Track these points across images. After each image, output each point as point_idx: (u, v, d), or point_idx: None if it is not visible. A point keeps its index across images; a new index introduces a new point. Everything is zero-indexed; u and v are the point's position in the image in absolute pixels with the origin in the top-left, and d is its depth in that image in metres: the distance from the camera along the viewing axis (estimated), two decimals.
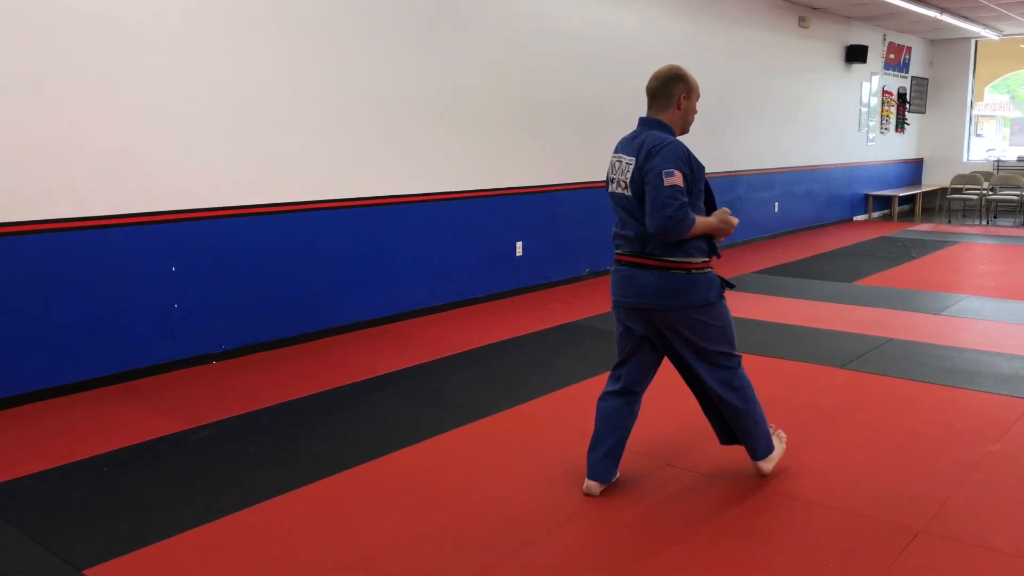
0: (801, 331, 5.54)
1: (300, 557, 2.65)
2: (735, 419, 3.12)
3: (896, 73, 13.02)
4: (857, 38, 11.58)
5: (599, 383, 4.38)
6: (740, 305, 6.28)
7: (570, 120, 7.20)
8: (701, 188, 2.94)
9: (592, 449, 3.11)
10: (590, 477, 3.09)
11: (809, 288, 7.03)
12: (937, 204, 13.95)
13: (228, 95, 4.80)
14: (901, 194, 12.60)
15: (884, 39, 12.45)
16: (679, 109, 2.98)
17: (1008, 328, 5.60)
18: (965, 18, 11.54)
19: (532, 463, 3.39)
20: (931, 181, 14.21)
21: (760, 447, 3.18)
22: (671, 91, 2.96)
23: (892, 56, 12.79)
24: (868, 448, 3.53)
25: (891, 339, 5.29)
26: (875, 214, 12.85)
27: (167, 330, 4.63)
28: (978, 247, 9.57)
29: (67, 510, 2.99)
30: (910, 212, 13.37)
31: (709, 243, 2.94)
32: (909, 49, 13.28)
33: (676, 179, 2.76)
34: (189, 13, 4.59)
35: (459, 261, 6.33)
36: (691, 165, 2.85)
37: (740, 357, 3.11)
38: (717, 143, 8.90)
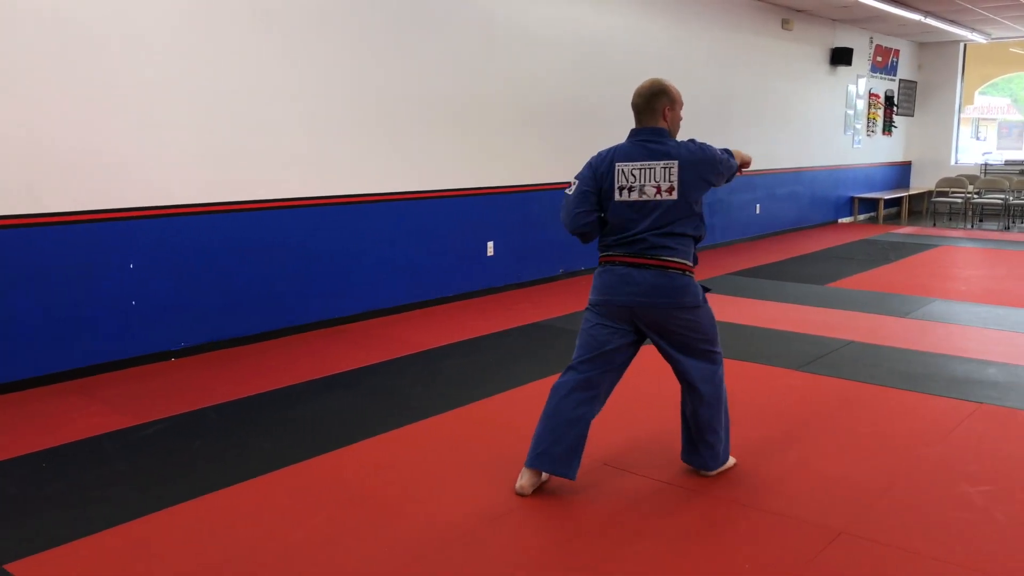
0: (764, 333, 5.56)
1: (218, 555, 2.68)
2: (708, 418, 3.16)
3: (883, 76, 13.03)
4: (842, 41, 11.59)
5: (551, 384, 4.42)
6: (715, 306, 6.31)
7: (549, 122, 7.22)
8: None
9: (552, 443, 3.07)
10: (540, 467, 3.04)
11: (780, 290, 7.05)
12: (924, 207, 13.96)
13: (192, 92, 4.82)
14: (887, 197, 12.61)
15: (871, 42, 12.46)
16: (665, 121, 3.10)
17: (970, 331, 5.61)
18: (952, 22, 11.55)
19: (474, 463, 3.41)
20: (919, 184, 14.21)
21: (717, 457, 3.23)
22: (655, 105, 3.08)
23: (879, 59, 12.80)
24: (805, 450, 3.55)
25: (852, 342, 5.31)
26: (861, 217, 12.85)
27: (126, 327, 4.66)
28: (959, 250, 9.58)
29: None
30: (896, 215, 13.37)
31: (695, 253, 3.09)
32: (897, 52, 13.29)
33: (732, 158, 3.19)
34: (154, 11, 4.61)
35: (428, 260, 6.35)
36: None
37: (721, 354, 3.20)
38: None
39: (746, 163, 3.31)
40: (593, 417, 3.17)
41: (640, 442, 3.62)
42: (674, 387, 4.23)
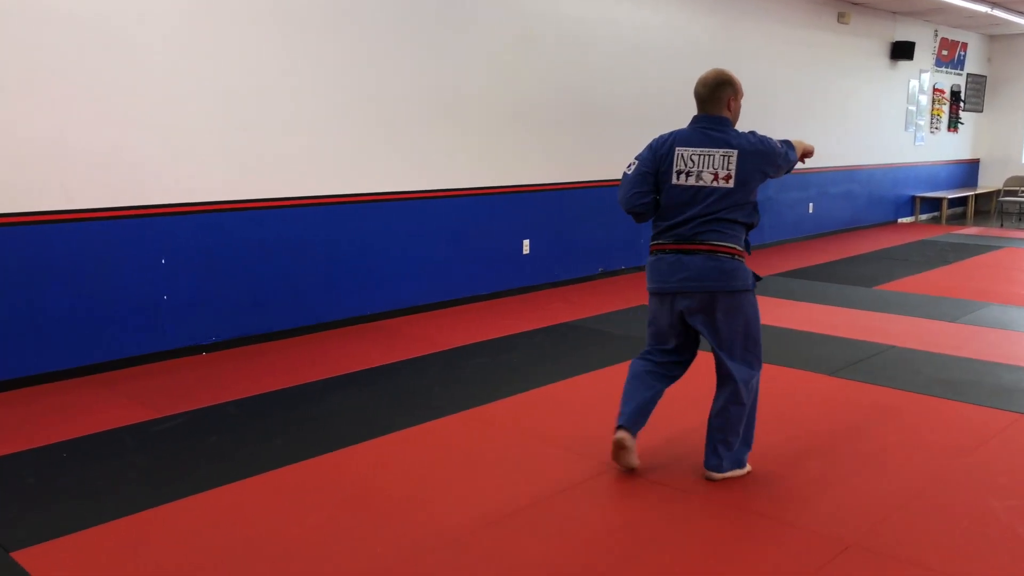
0: (801, 336, 5.39)
1: (218, 551, 2.70)
2: (735, 419, 3.14)
3: (949, 70, 12.53)
4: (904, 34, 11.18)
5: (572, 386, 4.37)
6: None
7: (583, 119, 7.14)
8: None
9: (624, 403, 3.22)
10: (622, 425, 3.19)
11: (825, 292, 6.83)
12: (992, 207, 13.38)
13: (222, 93, 4.90)
14: (950, 196, 12.12)
15: (935, 35, 11.99)
16: (729, 110, 3.16)
17: (1022, 338, 5.34)
18: (1021, 13, 11.02)
19: (483, 464, 3.38)
20: (987, 183, 13.63)
21: (730, 460, 3.19)
22: (720, 95, 3.13)
23: (945, 52, 12.31)
24: (829, 459, 3.41)
25: (893, 346, 5.10)
26: (922, 217, 12.39)
27: (157, 322, 4.77)
28: (1022, 252, 9.14)
29: (15, 494, 3.11)
30: (962, 215, 12.85)
31: (747, 240, 3.15)
32: (964, 45, 12.76)
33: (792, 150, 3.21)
34: (182, 13, 4.70)
35: (461, 258, 6.34)
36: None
37: (761, 359, 3.20)
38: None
39: (808, 153, 3.34)
40: (662, 391, 3.28)
41: (657, 447, 3.53)
42: (694, 390, 4.15)
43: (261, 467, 3.33)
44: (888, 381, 4.42)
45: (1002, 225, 11.73)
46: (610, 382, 4.43)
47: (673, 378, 3.33)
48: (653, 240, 3.20)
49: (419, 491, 3.12)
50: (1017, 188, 12.13)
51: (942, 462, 3.36)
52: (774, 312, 6.01)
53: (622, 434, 3.17)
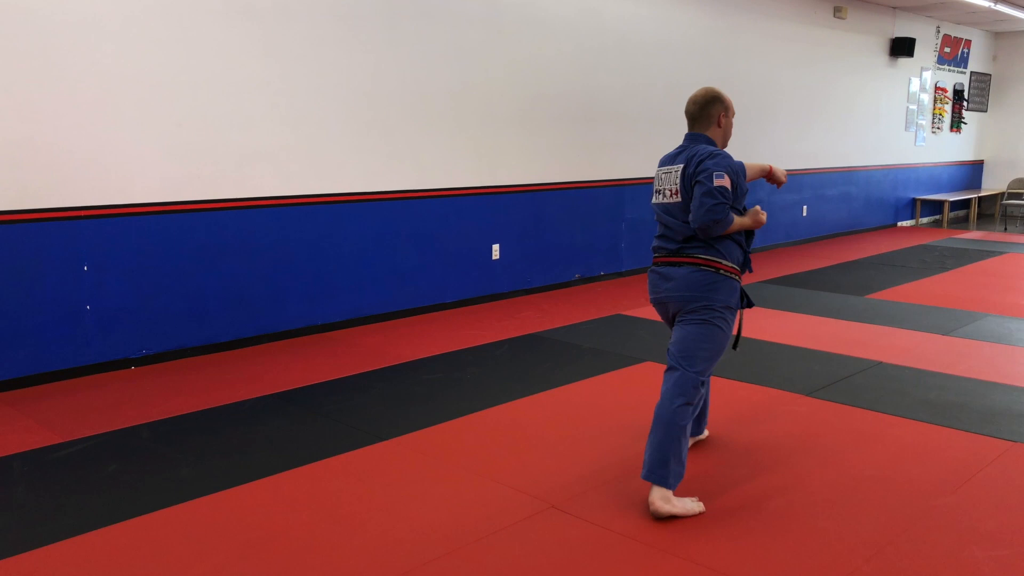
0: (781, 350, 5.01)
1: None
2: (654, 434, 2.93)
3: (952, 68, 12.11)
4: (904, 30, 10.77)
5: (524, 407, 4.00)
6: None
7: (562, 116, 6.77)
8: (742, 199, 3.10)
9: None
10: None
11: (813, 301, 6.44)
12: (996, 210, 12.96)
13: (156, 87, 4.55)
14: (952, 199, 11.70)
15: (938, 31, 11.58)
16: (719, 127, 3.16)
17: (1020, 354, 4.95)
18: None
19: (400, 504, 3.02)
20: (992, 185, 13.21)
21: (655, 471, 2.88)
22: (710, 112, 3.14)
23: (947, 50, 11.90)
24: (795, 495, 3.03)
25: (879, 363, 4.72)
26: (923, 220, 11.98)
27: (78, 334, 4.42)
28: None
29: None
30: (965, 219, 12.43)
31: (745, 256, 3.11)
32: (968, 42, 12.35)
33: (724, 182, 2.95)
34: (107, 3, 4.35)
35: (426, 264, 5.98)
36: (738, 177, 3.03)
37: (707, 380, 3.11)
38: (738, 141, 8.31)
39: (751, 225, 3.10)
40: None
41: (591, 481, 3.16)
42: (628, 421, 3.79)
43: (156, 503, 2.97)
44: (871, 403, 4.04)
45: (1006, 229, 11.31)
46: (565, 402, 4.06)
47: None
48: (654, 254, 3.25)
49: (327, 533, 2.76)
50: (1022, 191, 11.70)
51: (921, 502, 2.98)
52: (753, 323, 5.63)
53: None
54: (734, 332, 3.21)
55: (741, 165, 3.08)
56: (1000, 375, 4.50)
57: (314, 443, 3.54)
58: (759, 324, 5.62)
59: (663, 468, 2.87)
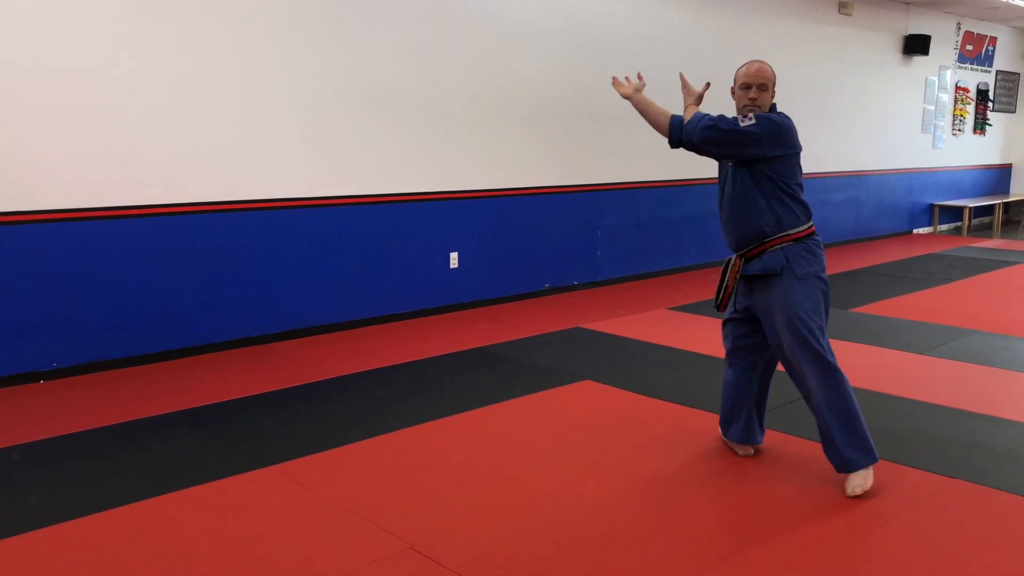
0: (710, 365, 4.64)
1: None
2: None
3: (975, 67, 11.52)
4: (919, 27, 10.24)
5: (422, 432, 3.72)
6: (693, 333, 5.43)
7: (530, 119, 6.47)
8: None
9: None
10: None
11: None
12: (1023, 217, 12.30)
13: (73, 85, 4.37)
14: (973, 204, 11.11)
15: (958, 28, 11.01)
16: (734, 99, 3.26)
17: (998, 377, 4.51)
18: None
19: (248, 543, 2.76)
20: (1021, 190, 12.55)
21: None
22: None
23: (970, 47, 11.32)
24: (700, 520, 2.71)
25: None
26: (942, 227, 11.40)
27: None
28: None
29: None
30: (989, 226, 11.81)
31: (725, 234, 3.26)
32: (993, 40, 11.74)
33: (743, 121, 3.07)
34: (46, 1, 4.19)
35: (376, 273, 5.72)
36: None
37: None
38: None
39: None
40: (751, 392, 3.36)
41: (462, 521, 2.88)
42: (532, 451, 3.48)
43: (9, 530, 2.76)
44: (811, 432, 3.68)
45: None
46: (476, 427, 3.78)
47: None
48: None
49: (156, 574, 2.52)
50: None
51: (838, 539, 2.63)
52: (708, 337, 5.27)
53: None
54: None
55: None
56: (971, 401, 4.09)
57: (192, 468, 3.31)
58: (713, 337, 5.25)
59: None
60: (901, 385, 4.33)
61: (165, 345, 4.84)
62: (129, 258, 4.66)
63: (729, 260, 3.24)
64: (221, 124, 4.91)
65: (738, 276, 3.18)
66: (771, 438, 3.59)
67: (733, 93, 3.24)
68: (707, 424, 3.79)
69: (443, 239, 6.07)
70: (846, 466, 3.03)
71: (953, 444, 3.55)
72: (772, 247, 3.10)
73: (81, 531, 2.80)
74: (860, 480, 3.00)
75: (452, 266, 6.14)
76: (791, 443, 3.57)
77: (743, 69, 3.21)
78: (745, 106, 3.15)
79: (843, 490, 3.02)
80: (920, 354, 4.97)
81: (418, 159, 5.86)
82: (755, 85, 3.15)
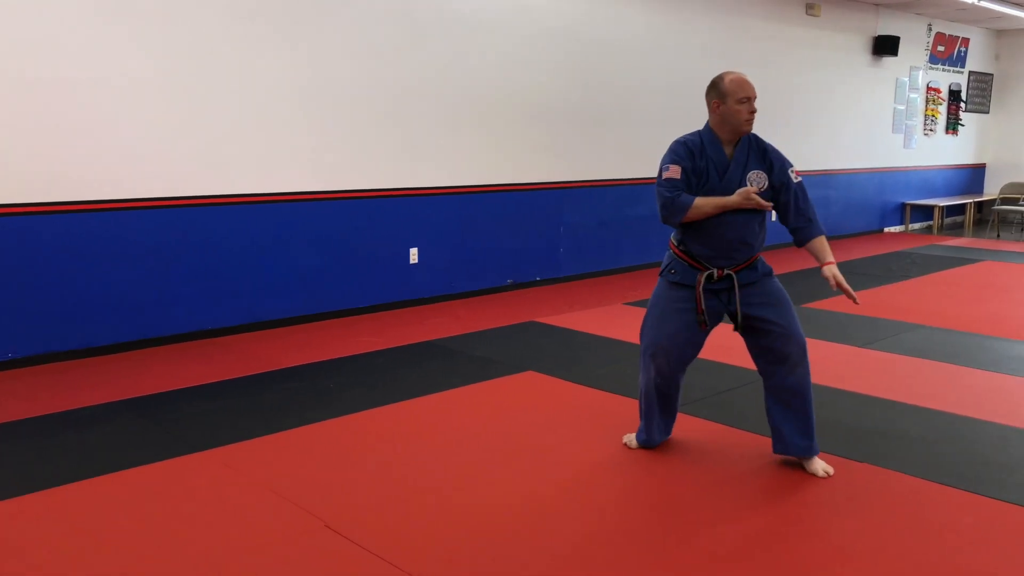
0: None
1: None
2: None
3: (947, 68, 11.64)
4: (888, 28, 10.36)
5: (358, 420, 3.84)
6: (638, 324, 5.54)
7: (492, 117, 6.57)
8: (708, 179, 3.16)
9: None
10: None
11: None
12: (999, 216, 12.40)
13: (20, 82, 4.48)
14: (944, 203, 11.23)
15: (930, 29, 11.13)
16: (714, 113, 3.19)
17: (924, 368, 4.63)
18: (1018, 4, 10.13)
19: (166, 524, 2.87)
20: (994, 190, 12.66)
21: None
22: (707, 100, 3.22)
23: (941, 48, 11.44)
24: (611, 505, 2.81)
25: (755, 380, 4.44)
26: (915, 226, 11.52)
27: None
28: (999, 267, 8.28)
29: None
30: (962, 224, 11.93)
31: (711, 252, 3.17)
32: (966, 41, 11.86)
33: (671, 172, 3.17)
34: None
35: (334, 268, 5.83)
36: (692, 157, 3.17)
37: (647, 351, 3.36)
38: None
39: (738, 204, 3.12)
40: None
41: (381, 501, 2.99)
42: (461, 436, 3.58)
43: None
44: (737, 420, 3.80)
45: (999, 236, 10.82)
46: (403, 416, 3.89)
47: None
48: None
49: (70, 551, 2.62)
50: (1017, 196, 11.17)
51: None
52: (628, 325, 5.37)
53: None
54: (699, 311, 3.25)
55: (686, 145, 3.19)
56: (890, 392, 4.20)
57: (126, 453, 3.41)
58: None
59: None
60: (829, 375, 4.44)
61: (118, 337, 4.94)
62: (83, 253, 4.76)
63: (699, 278, 3.20)
64: (175, 122, 5.01)
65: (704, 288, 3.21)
66: (706, 427, 3.70)
67: (717, 107, 3.15)
68: (631, 407, 3.90)
69: (403, 235, 6.18)
70: (811, 450, 3.23)
71: (864, 431, 3.66)
72: (756, 258, 3.26)
73: (1, 513, 2.91)
74: (823, 463, 3.24)
75: (412, 261, 6.25)
76: (727, 433, 3.68)
77: (735, 82, 3.12)
78: (746, 120, 3.12)
79: (801, 472, 3.24)
80: (859, 347, 5.09)
81: (377, 156, 5.96)
82: (752, 97, 3.13)
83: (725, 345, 5.00)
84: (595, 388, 4.28)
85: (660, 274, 3.37)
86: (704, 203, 3.10)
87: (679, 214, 3.14)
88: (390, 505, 2.96)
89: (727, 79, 3.14)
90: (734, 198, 3.07)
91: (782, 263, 8.28)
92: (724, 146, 3.20)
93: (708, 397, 4.14)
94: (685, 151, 3.18)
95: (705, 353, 5.03)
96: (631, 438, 3.52)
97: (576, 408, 3.99)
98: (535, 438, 3.61)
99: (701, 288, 3.19)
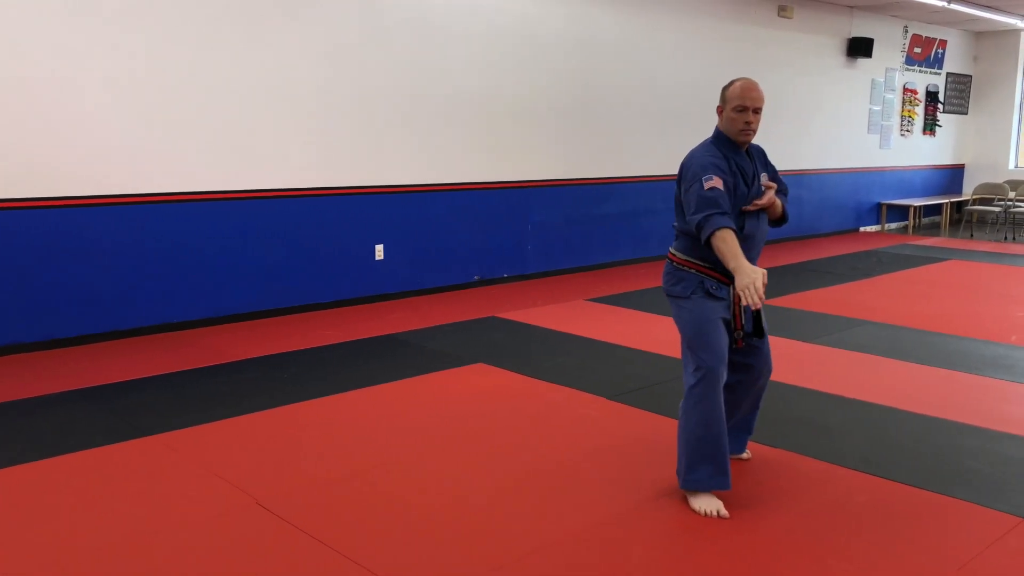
0: (620, 352, 4.91)
1: None
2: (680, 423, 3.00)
3: (924, 69, 11.76)
4: (863, 30, 10.49)
5: (307, 408, 3.99)
6: (600, 322, 5.69)
7: (456, 117, 6.71)
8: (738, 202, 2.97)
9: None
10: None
11: None
12: (975, 216, 12.53)
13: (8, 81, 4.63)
14: (919, 203, 11.35)
15: (906, 31, 11.26)
16: (720, 119, 3.04)
17: (863, 362, 4.76)
18: (991, 8, 10.26)
19: (103, 503, 3.01)
20: (971, 190, 12.78)
21: (680, 469, 2.99)
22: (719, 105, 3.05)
23: (918, 50, 11.56)
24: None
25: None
26: (891, 225, 11.64)
27: None
28: (966, 266, 8.41)
29: None
30: (939, 224, 12.05)
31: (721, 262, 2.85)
32: (943, 42, 11.98)
33: (714, 183, 2.84)
34: None
35: (298, 264, 5.97)
36: (714, 174, 2.87)
37: (705, 370, 2.89)
38: (676, 145, 8.16)
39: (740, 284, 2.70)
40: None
41: (317, 483, 3.12)
42: (400, 424, 3.71)
43: None
44: (663, 409, 3.93)
45: (972, 236, 10.94)
46: (348, 405, 4.04)
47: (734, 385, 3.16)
48: None
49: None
50: (992, 196, 11.29)
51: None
52: (616, 326, 5.52)
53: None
54: (738, 326, 2.98)
55: (716, 165, 2.88)
56: (823, 384, 4.34)
57: (75, 438, 3.55)
58: (619, 327, 5.51)
59: (680, 462, 2.98)
60: (780, 371, 4.56)
61: (83, 330, 5.09)
62: (48, 248, 4.91)
63: (732, 294, 2.97)
64: (137, 120, 5.16)
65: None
66: (623, 413, 3.84)
67: (720, 112, 3.00)
68: (582, 405, 4.03)
69: (369, 232, 6.32)
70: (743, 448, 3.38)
71: (790, 420, 3.80)
72: None
73: None
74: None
75: (378, 258, 6.39)
76: (659, 422, 3.82)
77: (736, 88, 2.94)
78: (741, 130, 2.93)
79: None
80: (804, 342, 5.22)
81: (346, 154, 6.10)
82: (752, 108, 2.91)
83: (660, 339, 5.16)
84: (540, 379, 4.41)
85: (690, 295, 2.97)
86: (725, 248, 2.75)
87: (706, 232, 2.80)
88: (322, 487, 3.10)
89: (733, 85, 2.96)
90: (744, 268, 2.69)
91: None
92: (742, 150, 3.02)
93: (641, 388, 4.27)
94: (723, 167, 2.92)
95: (644, 345, 5.19)
96: (708, 505, 2.91)
97: (520, 398, 4.12)
98: (474, 426, 3.74)
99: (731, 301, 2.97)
